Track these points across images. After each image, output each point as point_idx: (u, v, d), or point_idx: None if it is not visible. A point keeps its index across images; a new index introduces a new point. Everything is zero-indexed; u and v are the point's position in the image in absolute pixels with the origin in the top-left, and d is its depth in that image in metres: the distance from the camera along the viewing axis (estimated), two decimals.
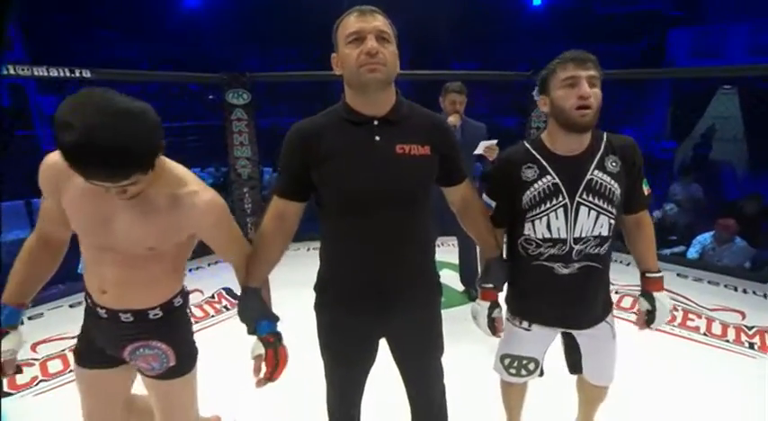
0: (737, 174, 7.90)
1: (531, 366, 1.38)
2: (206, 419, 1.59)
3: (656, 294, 1.25)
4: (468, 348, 2.01)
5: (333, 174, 1.02)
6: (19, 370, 1.11)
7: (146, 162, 0.84)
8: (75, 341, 2.33)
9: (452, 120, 2.44)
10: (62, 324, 2.59)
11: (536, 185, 1.18)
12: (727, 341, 2.39)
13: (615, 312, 1.37)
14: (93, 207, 0.96)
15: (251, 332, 1.07)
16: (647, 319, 1.27)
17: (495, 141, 2.39)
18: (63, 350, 2.33)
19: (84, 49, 8.83)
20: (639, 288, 1.30)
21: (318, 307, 1.19)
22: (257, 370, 1.05)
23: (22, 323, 1.14)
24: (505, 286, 1.34)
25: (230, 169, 3.74)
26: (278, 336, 1.08)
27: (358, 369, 1.23)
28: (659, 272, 1.27)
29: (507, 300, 1.38)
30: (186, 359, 1.16)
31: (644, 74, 6.45)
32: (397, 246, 1.06)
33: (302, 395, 1.91)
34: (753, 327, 2.51)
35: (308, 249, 3.67)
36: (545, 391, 1.62)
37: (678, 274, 3.23)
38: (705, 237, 3.77)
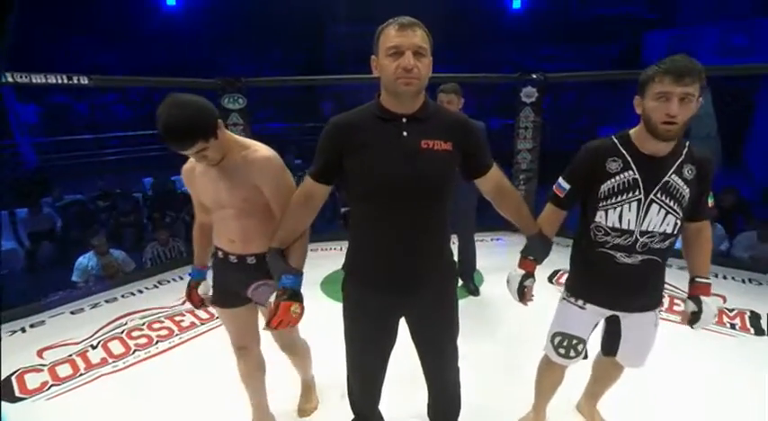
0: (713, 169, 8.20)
1: (580, 347, 1.45)
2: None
3: (703, 298, 1.30)
4: (471, 339, 2.10)
5: (364, 164, 1.12)
6: (206, 303, 1.58)
7: (200, 133, 1.19)
8: (80, 346, 2.38)
9: None
10: (65, 330, 2.60)
11: (617, 177, 1.24)
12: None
13: None
14: (206, 182, 1.37)
15: (277, 284, 1.26)
16: (691, 320, 1.32)
17: None
18: (70, 355, 2.34)
19: (61, 56, 8.69)
20: (685, 291, 1.37)
21: (345, 285, 1.29)
22: (264, 315, 1.25)
23: (204, 278, 1.59)
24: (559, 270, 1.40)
25: None
26: (289, 292, 1.22)
27: (379, 347, 1.32)
28: (709, 278, 1.33)
29: (567, 281, 1.46)
30: None
31: (623, 75, 6.69)
32: (418, 232, 1.16)
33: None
34: (733, 310, 2.67)
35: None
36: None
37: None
38: None
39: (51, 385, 2.11)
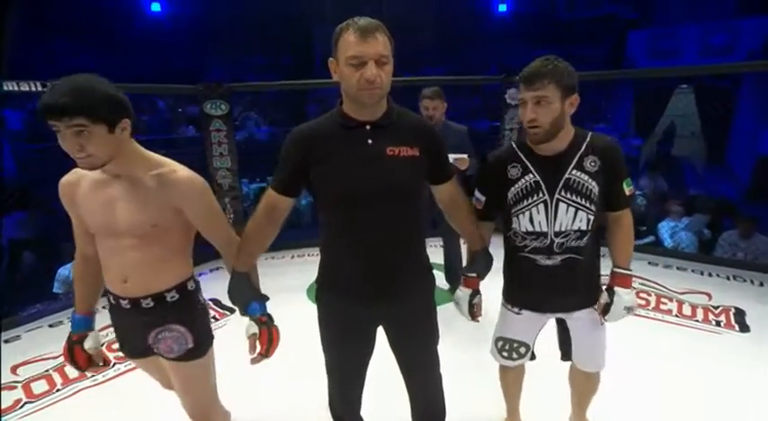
0: (697, 167, 8.36)
1: (522, 350, 1.46)
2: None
3: (617, 289, 1.30)
4: (457, 343, 2.08)
5: (330, 174, 1.10)
6: (106, 362, 1.33)
7: (88, 104, 0.98)
8: (58, 361, 2.30)
9: None
10: (42, 345, 2.51)
11: (519, 183, 1.27)
12: (697, 321, 2.56)
13: None
14: (100, 201, 1.12)
15: (243, 313, 1.18)
16: (604, 311, 1.32)
17: (465, 155, 2.45)
18: (47, 370, 2.27)
19: (41, 61, 8.51)
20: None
21: (320, 296, 1.26)
22: (252, 347, 1.15)
23: (91, 329, 1.30)
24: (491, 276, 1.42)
25: (211, 180, 3.72)
26: (269, 317, 1.18)
27: (357, 356, 1.29)
28: (629, 269, 1.32)
29: (503, 287, 1.46)
30: (203, 341, 1.26)
31: (607, 75, 6.77)
32: (389, 238, 1.14)
33: (296, 399, 1.94)
34: (718, 307, 2.68)
35: (292, 257, 3.69)
36: (544, 383, 1.70)
37: (649, 263, 3.41)
38: (663, 225, 4.03)
39: (25, 403, 2.03)
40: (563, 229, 1.25)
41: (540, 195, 1.25)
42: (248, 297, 1.17)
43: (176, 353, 1.21)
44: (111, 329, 1.31)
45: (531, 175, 1.25)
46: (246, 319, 1.20)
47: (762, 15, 7.80)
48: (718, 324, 2.52)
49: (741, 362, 2.15)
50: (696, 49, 8.18)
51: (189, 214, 1.16)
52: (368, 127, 1.10)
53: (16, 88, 2.60)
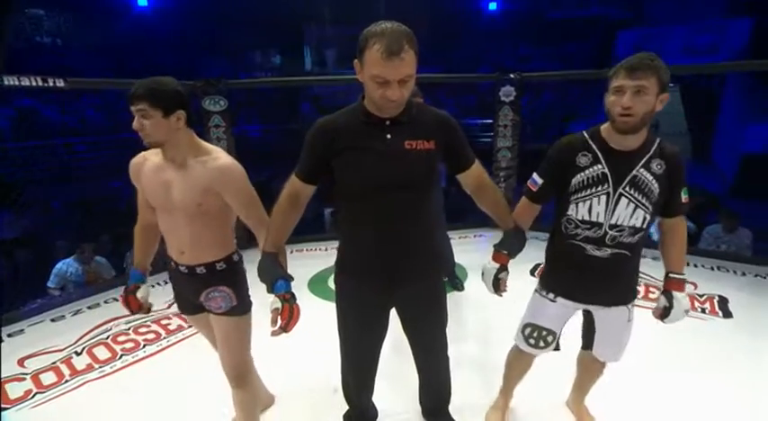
0: (683, 164, 8.55)
1: (550, 339, 1.48)
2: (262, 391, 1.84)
3: (675, 293, 1.34)
4: (456, 333, 2.16)
5: (350, 166, 1.17)
6: (149, 310, 1.56)
7: (150, 96, 1.23)
8: (65, 353, 2.33)
9: None
10: (46, 338, 2.54)
11: (587, 171, 1.28)
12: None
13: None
14: (159, 181, 1.33)
15: (269, 291, 1.27)
16: (663, 315, 1.36)
17: None
18: (54, 362, 2.30)
19: (23, 56, 8.34)
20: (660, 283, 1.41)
21: (338, 279, 1.33)
22: (274, 321, 1.24)
23: (144, 282, 1.53)
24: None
25: None
26: (293, 295, 1.26)
27: (371, 337, 1.36)
28: (684, 274, 1.36)
29: (541, 274, 1.50)
30: (244, 301, 1.47)
31: (596, 74, 6.89)
32: (404, 226, 1.21)
33: (306, 385, 2.00)
34: (703, 295, 2.81)
35: (291, 252, 3.74)
36: (535, 369, 1.73)
37: (642, 256, 3.51)
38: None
39: (36, 393, 2.06)
40: (619, 223, 1.28)
41: (605, 187, 1.27)
42: (275, 275, 1.25)
43: (223, 309, 1.43)
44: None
45: (599, 166, 1.27)
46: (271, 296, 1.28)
47: (746, 17, 8.02)
48: (703, 311, 2.64)
49: (725, 346, 2.27)
50: (681, 49, 8.37)
51: (226, 196, 1.32)
52: (387, 122, 1.17)
53: (17, 83, 2.60)
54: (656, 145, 1.29)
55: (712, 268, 3.28)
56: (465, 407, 1.74)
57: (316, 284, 3.05)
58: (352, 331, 1.35)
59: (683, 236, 1.37)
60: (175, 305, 1.60)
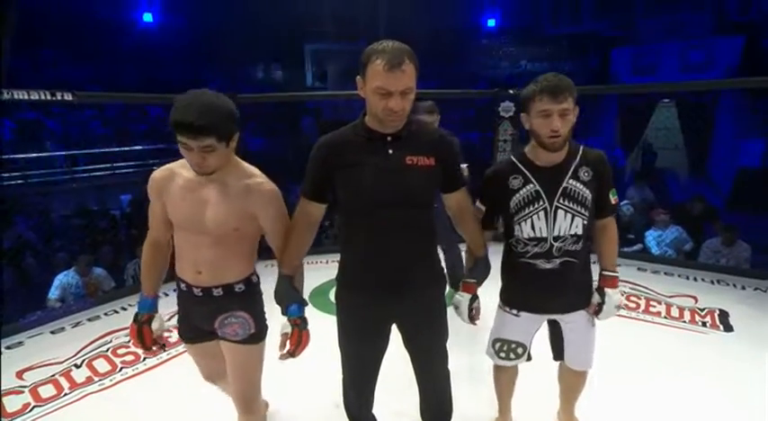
0: (680, 178, 8.66)
1: (520, 350, 1.53)
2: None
3: (607, 290, 1.42)
4: (455, 345, 2.15)
5: (353, 181, 1.19)
6: (165, 345, 1.43)
7: (220, 127, 1.11)
8: (64, 366, 2.32)
9: None
10: (46, 351, 2.52)
11: (521, 192, 1.37)
12: (684, 322, 2.69)
13: None
14: (191, 200, 1.24)
15: (283, 313, 1.28)
16: (597, 311, 1.44)
17: (465, 165, 2.55)
18: (53, 375, 2.28)
19: (26, 69, 8.44)
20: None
21: (339, 293, 1.34)
22: (282, 345, 1.26)
23: (156, 311, 1.40)
24: (487, 281, 1.48)
25: None
26: (304, 320, 1.28)
27: (373, 351, 1.36)
28: (616, 272, 1.45)
29: (501, 290, 1.55)
30: (261, 328, 1.39)
31: (592, 90, 7.02)
32: (405, 241, 1.23)
33: (306, 399, 1.99)
34: (704, 309, 2.82)
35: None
36: (535, 382, 1.76)
37: (638, 268, 3.54)
38: (649, 233, 4.19)
39: (34, 406, 2.04)
40: (561, 234, 1.36)
41: (541, 203, 1.35)
42: (290, 299, 1.27)
43: (240, 337, 1.34)
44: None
45: (531, 185, 1.36)
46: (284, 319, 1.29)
47: (737, 35, 8.21)
48: (704, 324, 2.65)
49: (726, 360, 2.27)
50: (675, 66, 8.53)
51: (264, 222, 1.28)
52: (389, 138, 1.20)
53: (26, 97, 2.65)
54: (579, 153, 1.37)
55: (712, 281, 3.29)
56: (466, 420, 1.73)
57: (316, 297, 3.05)
58: (352, 345, 1.35)
59: (614, 235, 1.46)
60: (178, 327, 1.45)
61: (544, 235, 1.36)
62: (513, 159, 1.41)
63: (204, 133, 1.08)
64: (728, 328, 2.60)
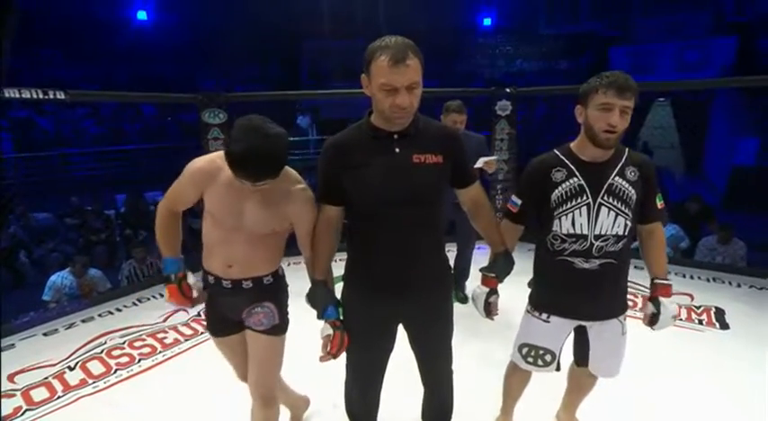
0: (676, 177, 8.71)
1: (548, 358, 1.46)
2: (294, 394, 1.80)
3: (662, 299, 1.35)
4: (464, 344, 2.15)
5: (361, 180, 1.18)
6: (201, 298, 1.42)
7: (277, 173, 1.16)
8: (57, 368, 2.29)
9: None
10: (38, 353, 2.49)
11: (564, 185, 1.30)
12: (681, 319, 2.68)
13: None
14: (233, 198, 1.26)
15: (320, 317, 1.29)
16: (651, 321, 1.37)
17: (494, 157, 2.56)
18: (46, 377, 2.25)
19: (23, 68, 8.37)
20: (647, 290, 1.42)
21: (346, 292, 1.33)
22: (325, 346, 1.27)
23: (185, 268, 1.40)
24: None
25: None
26: (342, 321, 1.29)
27: (380, 351, 1.35)
28: (668, 280, 1.37)
29: (531, 294, 1.48)
30: (284, 320, 1.42)
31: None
32: (413, 240, 1.21)
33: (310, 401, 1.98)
34: (700, 307, 2.83)
35: (288, 264, 3.71)
36: (536, 381, 1.71)
37: (635, 266, 3.51)
38: None
39: (26, 409, 2.01)
40: (603, 233, 1.29)
41: (585, 198, 1.29)
42: (326, 302, 1.28)
43: (264, 327, 1.37)
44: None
45: (575, 179, 1.30)
46: (322, 322, 1.30)
47: (731, 36, 8.26)
48: (700, 322, 2.66)
49: (723, 358, 2.27)
50: (671, 65, 8.58)
51: (299, 226, 1.31)
52: (395, 136, 1.18)
53: (17, 95, 2.61)
54: (626, 153, 1.33)
55: (708, 279, 3.30)
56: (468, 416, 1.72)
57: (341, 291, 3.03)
58: (359, 345, 1.33)
59: (662, 240, 1.40)
60: (206, 321, 1.47)
61: (585, 232, 1.29)
62: (557, 152, 1.35)
63: (262, 179, 1.14)
64: (724, 326, 2.61)
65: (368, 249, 1.24)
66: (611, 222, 1.29)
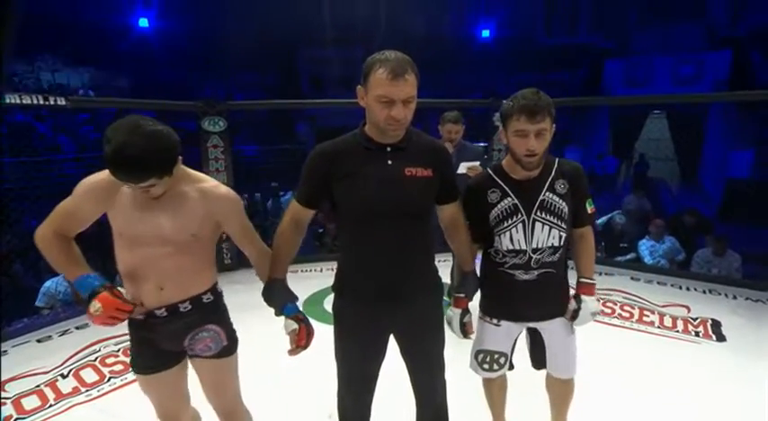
0: (672, 188, 8.77)
1: (502, 360, 1.52)
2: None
3: (583, 297, 1.43)
4: (454, 355, 2.14)
5: (351, 191, 1.19)
6: (142, 302, 1.22)
7: (158, 171, 1.07)
8: (50, 376, 2.26)
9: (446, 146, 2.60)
10: (31, 360, 2.46)
11: (499, 206, 1.38)
12: (677, 331, 2.70)
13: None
14: (140, 210, 1.17)
15: (278, 314, 1.29)
16: (573, 317, 1.44)
17: (477, 163, 2.58)
18: (38, 385, 2.22)
19: (22, 74, 8.39)
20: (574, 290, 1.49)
21: (336, 305, 1.32)
22: (293, 341, 1.28)
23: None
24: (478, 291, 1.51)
25: None
26: (304, 315, 1.31)
27: (371, 360, 1.35)
28: (593, 279, 1.46)
29: (480, 301, 1.54)
30: (233, 339, 1.36)
31: (585, 101, 7.12)
32: (403, 251, 1.22)
33: (301, 410, 1.96)
34: (697, 318, 2.83)
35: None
36: (529, 391, 1.74)
37: (632, 278, 3.56)
38: (642, 243, 4.23)
39: (17, 418, 1.98)
40: (539, 246, 1.37)
41: (519, 216, 1.36)
42: (284, 299, 1.28)
43: (213, 351, 1.30)
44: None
45: (509, 199, 1.37)
46: (282, 318, 1.31)
47: (725, 49, 8.39)
48: (696, 334, 2.65)
49: (719, 369, 2.27)
50: (666, 78, 8.70)
51: (227, 226, 1.26)
52: (388, 149, 1.20)
53: (18, 101, 2.62)
54: (555, 166, 1.39)
55: (704, 291, 3.31)
56: None
57: (311, 306, 3.02)
58: (351, 354, 1.34)
59: (591, 244, 1.48)
60: (131, 360, 1.32)
61: (523, 247, 1.37)
62: (491, 172, 1.43)
63: (143, 179, 1.05)
64: (721, 338, 2.61)
65: (358, 260, 1.25)
66: (546, 235, 1.36)
